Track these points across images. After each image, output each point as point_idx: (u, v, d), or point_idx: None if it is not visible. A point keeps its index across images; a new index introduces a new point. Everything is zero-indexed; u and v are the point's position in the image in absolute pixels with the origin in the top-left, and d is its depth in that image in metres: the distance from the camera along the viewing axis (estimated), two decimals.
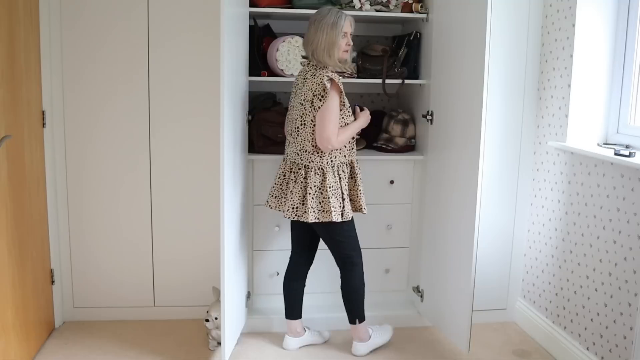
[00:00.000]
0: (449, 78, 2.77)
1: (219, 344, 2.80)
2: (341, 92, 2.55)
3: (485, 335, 3.07)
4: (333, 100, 2.50)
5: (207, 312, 2.81)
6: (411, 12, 2.96)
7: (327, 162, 2.58)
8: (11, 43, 2.40)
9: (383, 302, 3.20)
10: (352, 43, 2.62)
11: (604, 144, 2.72)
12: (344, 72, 2.91)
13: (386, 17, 3.04)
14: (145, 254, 3.11)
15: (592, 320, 2.60)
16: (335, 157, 2.60)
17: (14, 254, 2.45)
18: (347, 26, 2.56)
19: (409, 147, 3.13)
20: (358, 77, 2.98)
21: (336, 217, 2.58)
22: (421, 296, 3.11)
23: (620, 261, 2.41)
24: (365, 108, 2.74)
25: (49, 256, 2.94)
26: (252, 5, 2.84)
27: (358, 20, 3.20)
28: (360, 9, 2.89)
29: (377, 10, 2.92)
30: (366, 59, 3.00)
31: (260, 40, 3.00)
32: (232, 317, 2.64)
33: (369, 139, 3.16)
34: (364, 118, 2.71)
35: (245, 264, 2.94)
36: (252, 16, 2.95)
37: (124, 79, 2.94)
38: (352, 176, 2.70)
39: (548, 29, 2.96)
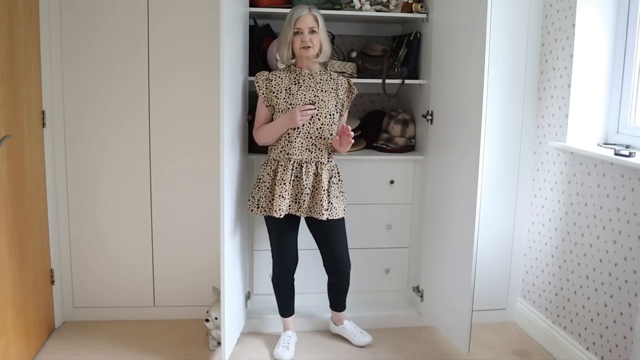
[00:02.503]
0: (449, 78, 2.77)
1: (219, 344, 2.80)
2: (268, 90, 2.63)
3: (485, 335, 3.07)
4: (258, 99, 2.68)
5: (207, 312, 2.81)
6: (411, 12, 2.96)
7: (267, 156, 2.71)
8: (11, 43, 2.40)
9: (383, 302, 3.20)
10: (307, 41, 2.53)
11: (604, 144, 2.72)
12: (344, 72, 2.92)
13: (386, 17, 3.04)
14: (145, 254, 3.11)
15: (592, 320, 2.60)
16: (271, 152, 2.68)
17: (14, 254, 2.45)
18: (301, 23, 2.54)
19: (409, 147, 3.13)
20: (358, 77, 2.97)
21: (247, 206, 2.72)
22: (421, 296, 3.11)
23: (620, 261, 2.41)
24: (306, 107, 2.53)
25: (49, 256, 2.94)
26: (252, 5, 2.84)
27: (358, 20, 3.21)
28: (360, 9, 2.89)
29: (377, 10, 2.92)
30: (366, 59, 3.00)
31: (260, 40, 3.00)
32: (232, 317, 2.64)
33: (369, 139, 3.16)
34: (286, 116, 2.56)
35: (245, 264, 2.94)
36: (252, 16, 2.95)
37: (124, 78, 2.94)
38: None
39: (548, 29, 2.96)
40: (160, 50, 2.94)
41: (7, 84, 2.36)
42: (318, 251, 2.89)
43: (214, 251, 3.06)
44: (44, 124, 2.83)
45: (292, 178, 2.60)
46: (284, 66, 2.73)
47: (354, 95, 2.73)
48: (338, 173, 2.70)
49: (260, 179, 2.67)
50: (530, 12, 2.99)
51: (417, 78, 3.08)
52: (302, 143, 2.59)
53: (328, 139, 2.63)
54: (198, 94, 2.99)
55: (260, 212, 2.65)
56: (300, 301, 3.05)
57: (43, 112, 2.82)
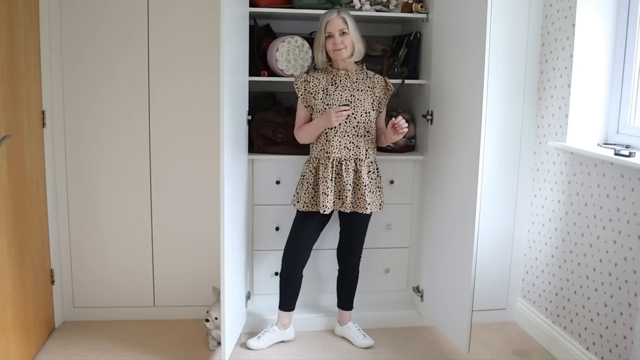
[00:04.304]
0: (449, 78, 2.77)
1: (219, 344, 2.80)
2: (306, 91, 2.72)
3: (485, 335, 3.07)
4: (298, 100, 2.77)
5: (207, 312, 2.81)
6: (411, 12, 2.96)
7: (309, 155, 2.80)
8: (11, 43, 2.40)
9: (383, 302, 3.20)
10: (338, 43, 2.63)
11: (604, 144, 2.72)
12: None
13: (386, 17, 3.04)
14: (145, 254, 3.11)
15: (592, 320, 2.60)
16: (312, 150, 2.77)
17: (14, 254, 2.45)
18: (330, 27, 2.64)
19: (409, 147, 3.13)
20: None
21: (291, 200, 2.83)
22: (421, 296, 3.11)
23: (620, 261, 2.41)
24: (341, 107, 2.60)
25: (49, 256, 2.94)
26: (252, 5, 2.84)
27: (358, 20, 3.20)
28: (360, 9, 2.89)
29: (377, 10, 2.92)
30: (366, 59, 3.00)
31: (260, 40, 3.00)
32: (232, 317, 2.64)
33: None
34: (322, 117, 2.65)
35: (245, 264, 2.94)
36: (252, 16, 2.95)
37: (124, 78, 2.94)
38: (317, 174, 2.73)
39: (548, 29, 2.96)
40: (160, 50, 2.94)
41: (7, 84, 2.36)
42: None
43: (214, 251, 3.05)
44: (44, 124, 2.83)
45: (334, 175, 2.70)
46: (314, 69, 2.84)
47: (391, 93, 2.81)
48: (376, 169, 2.79)
49: (303, 176, 2.77)
50: (530, 12, 2.99)
51: (417, 78, 3.08)
52: (340, 141, 2.68)
53: (365, 136, 2.72)
54: (198, 94, 2.99)
55: (302, 207, 2.73)
56: (304, 300, 3.06)
57: (43, 112, 2.82)
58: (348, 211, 2.73)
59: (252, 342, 2.85)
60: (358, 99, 2.70)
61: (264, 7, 2.85)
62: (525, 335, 3.09)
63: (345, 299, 2.97)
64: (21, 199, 2.54)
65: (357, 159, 2.71)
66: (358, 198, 2.72)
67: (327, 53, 2.70)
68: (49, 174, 2.88)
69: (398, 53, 3.03)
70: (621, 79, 2.68)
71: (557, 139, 2.86)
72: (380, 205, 2.80)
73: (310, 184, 2.73)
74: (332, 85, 2.72)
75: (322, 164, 2.70)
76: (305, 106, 2.75)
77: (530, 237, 3.14)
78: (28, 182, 2.63)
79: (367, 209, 2.71)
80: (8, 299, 2.39)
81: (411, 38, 3.02)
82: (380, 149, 3.09)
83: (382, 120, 2.83)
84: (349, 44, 2.65)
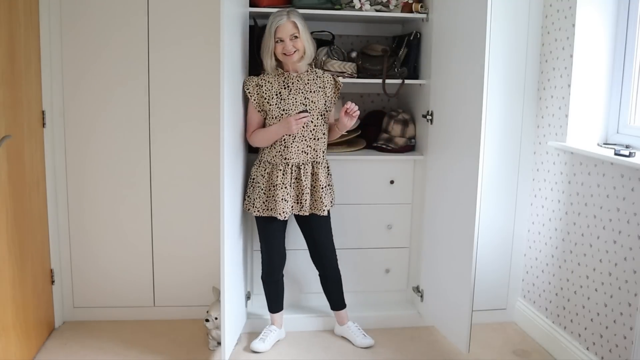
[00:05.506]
0: (449, 78, 2.77)
1: (219, 344, 2.80)
2: (259, 96, 2.65)
3: (485, 335, 3.07)
4: (248, 103, 2.69)
5: (207, 312, 2.81)
6: (411, 12, 2.96)
7: (258, 157, 2.75)
8: (11, 43, 2.40)
9: (383, 302, 3.20)
10: (290, 49, 2.57)
11: (604, 144, 2.72)
12: (344, 72, 2.92)
13: (386, 17, 3.04)
14: (145, 254, 3.11)
15: (592, 320, 2.60)
16: (264, 154, 2.71)
17: (14, 253, 2.45)
18: (281, 32, 2.57)
19: (409, 147, 3.13)
20: (358, 77, 2.97)
21: (244, 205, 2.77)
22: (421, 296, 3.11)
23: (620, 261, 2.41)
24: (301, 115, 2.56)
25: (49, 256, 2.94)
26: (252, 5, 2.84)
27: (358, 20, 3.21)
28: (360, 9, 2.89)
29: (377, 10, 2.92)
30: (366, 59, 3.00)
31: (260, 40, 3.00)
32: (232, 317, 2.64)
33: (369, 139, 3.16)
34: (281, 124, 2.60)
35: (245, 264, 2.94)
36: (252, 16, 2.95)
37: (124, 78, 2.94)
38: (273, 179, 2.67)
39: (548, 29, 2.96)
40: (160, 50, 2.94)
41: (7, 84, 2.36)
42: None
43: (214, 251, 3.05)
44: (44, 124, 2.83)
45: (292, 181, 2.67)
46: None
47: (339, 90, 2.78)
48: (328, 167, 2.79)
49: (254, 180, 2.73)
50: (530, 12, 2.99)
51: (417, 78, 3.08)
52: (298, 146, 2.66)
53: (322, 138, 2.70)
54: (198, 94, 2.99)
55: (256, 212, 2.70)
56: (302, 301, 3.08)
57: (43, 112, 2.82)
58: (306, 214, 2.72)
59: (259, 345, 2.82)
60: (312, 101, 2.66)
61: (264, 7, 2.85)
62: (525, 335, 3.09)
63: (335, 300, 2.95)
64: (21, 199, 2.54)
65: (314, 161, 2.70)
66: (315, 200, 2.71)
67: (276, 57, 2.63)
68: (49, 174, 2.88)
69: (398, 53, 3.03)
70: (621, 79, 2.68)
71: (557, 139, 2.86)
72: (332, 201, 2.80)
73: (262, 189, 2.69)
74: (285, 88, 2.65)
75: (280, 170, 2.65)
76: (259, 111, 2.67)
77: (530, 237, 3.14)
78: (28, 182, 2.63)
79: (324, 210, 2.71)
80: (8, 299, 2.39)
81: (411, 38, 3.02)
82: (381, 149, 3.10)
83: (332, 115, 2.81)
84: (300, 47, 2.60)
